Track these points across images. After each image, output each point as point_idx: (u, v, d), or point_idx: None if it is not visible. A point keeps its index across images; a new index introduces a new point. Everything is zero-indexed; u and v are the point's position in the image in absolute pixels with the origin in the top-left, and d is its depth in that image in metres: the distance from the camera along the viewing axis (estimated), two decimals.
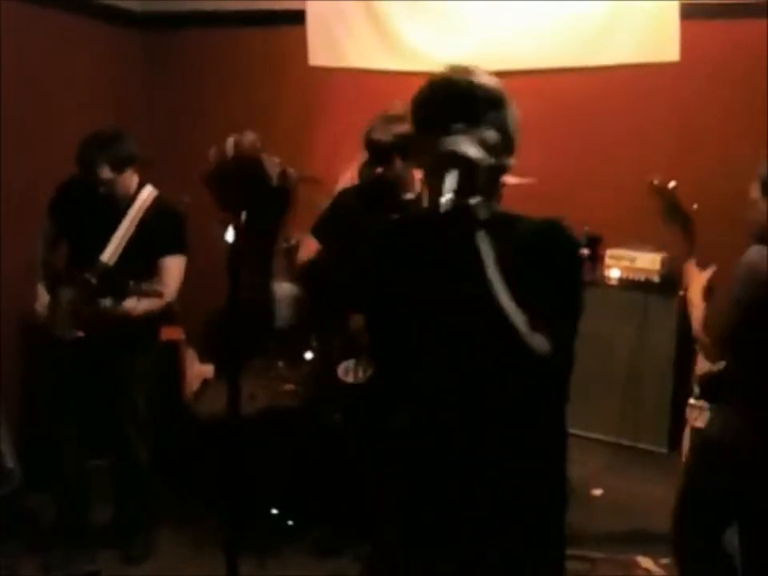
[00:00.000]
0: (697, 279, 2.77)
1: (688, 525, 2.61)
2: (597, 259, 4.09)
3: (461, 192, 1.39)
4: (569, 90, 4.58)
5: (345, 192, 3.56)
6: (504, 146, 1.54)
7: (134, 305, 3.15)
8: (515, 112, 1.58)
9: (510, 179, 1.61)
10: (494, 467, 1.56)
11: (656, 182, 3.01)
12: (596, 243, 4.19)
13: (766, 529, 2.49)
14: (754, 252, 2.39)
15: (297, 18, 4.97)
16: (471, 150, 1.44)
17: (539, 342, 1.42)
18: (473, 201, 1.40)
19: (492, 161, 1.48)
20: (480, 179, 1.43)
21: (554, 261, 1.52)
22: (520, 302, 1.40)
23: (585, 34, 4.53)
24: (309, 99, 5.05)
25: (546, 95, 4.47)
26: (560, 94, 4.57)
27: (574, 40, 4.54)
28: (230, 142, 4.16)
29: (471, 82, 1.54)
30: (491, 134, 1.51)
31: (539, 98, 4.42)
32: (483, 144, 1.47)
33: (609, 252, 4.41)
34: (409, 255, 1.61)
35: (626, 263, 4.38)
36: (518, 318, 1.40)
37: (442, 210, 1.37)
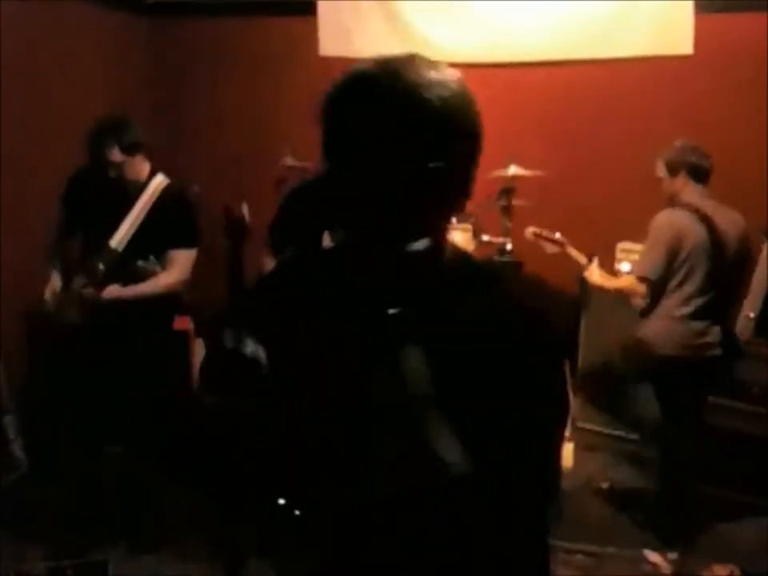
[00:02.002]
0: (596, 273, 3.56)
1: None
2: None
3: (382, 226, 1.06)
4: (581, 81, 4.55)
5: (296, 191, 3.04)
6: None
7: (118, 291, 3.21)
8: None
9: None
10: None
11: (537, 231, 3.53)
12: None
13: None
14: (662, 213, 3.32)
15: (307, 7, 4.95)
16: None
17: (452, 455, 1.05)
18: (416, 246, 1.05)
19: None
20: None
21: (527, 370, 1.11)
22: (461, 415, 1.06)
23: (598, 25, 4.52)
24: (319, 90, 5.02)
25: (559, 87, 4.45)
26: (572, 85, 4.54)
27: (587, 31, 4.53)
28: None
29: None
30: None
31: (551, 89, 4.41)
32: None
33: (619, 245, 4.38)
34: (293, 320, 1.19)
35: (636, 257, 4.34)
36: (433, 424, 1.05)
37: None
